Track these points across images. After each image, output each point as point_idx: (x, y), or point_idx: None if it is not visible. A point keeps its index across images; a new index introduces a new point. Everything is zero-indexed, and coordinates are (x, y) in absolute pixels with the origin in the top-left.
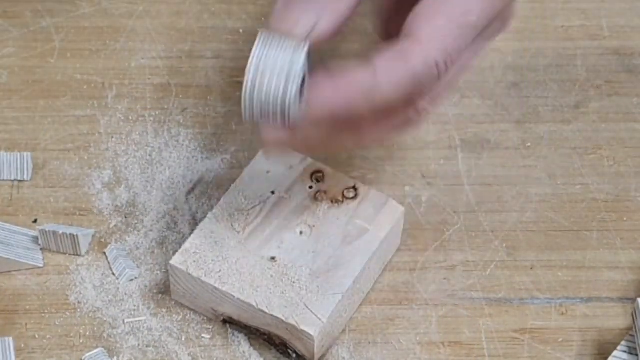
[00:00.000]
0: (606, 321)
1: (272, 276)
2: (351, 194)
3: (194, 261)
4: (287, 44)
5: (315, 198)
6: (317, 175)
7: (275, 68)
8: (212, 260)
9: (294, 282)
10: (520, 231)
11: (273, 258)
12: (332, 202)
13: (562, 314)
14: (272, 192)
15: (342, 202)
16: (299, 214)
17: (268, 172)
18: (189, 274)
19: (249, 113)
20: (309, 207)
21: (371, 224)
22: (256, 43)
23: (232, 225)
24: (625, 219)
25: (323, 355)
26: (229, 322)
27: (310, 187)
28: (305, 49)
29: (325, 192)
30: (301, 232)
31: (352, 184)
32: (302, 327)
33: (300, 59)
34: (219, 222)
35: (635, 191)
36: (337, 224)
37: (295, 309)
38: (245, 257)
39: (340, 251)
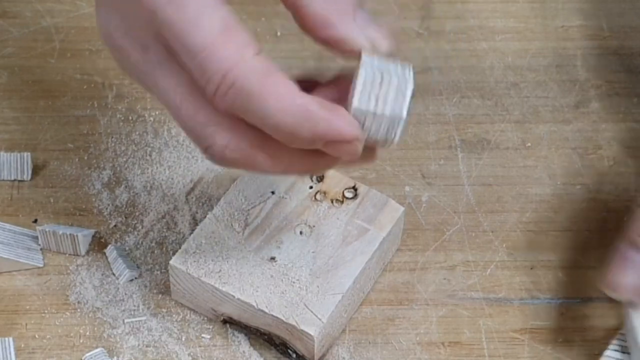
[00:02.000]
0: (606, 321)
1: (272, 276)
2: (351, 194)
3: (194, 261)
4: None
5: (315, 198)
6: (317, 176)
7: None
8: (212, 260)
9: (294, 282)
10: (520, 231)
11: (273, 258)
12: (332, 202)
13: (562, 314)
14: (272, 192)
15: (342, 202)
16: (299, 214)
17: None
18: (189, 274)
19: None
20: (309, 207)
21: (371, 224)
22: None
23: (232, 225)
24: (625, 219)
25: (323, 355)
26: (229, 322)
27: (310, 187)
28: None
29: (325, 192)
30: (301, 232)
31: (352, 184)
32: (302, 327)
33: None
34: (219, 222)
35: (635, 191)
36: (337, 224)
37: (295, 309)
38: (245, 257)
39: (340, 251)
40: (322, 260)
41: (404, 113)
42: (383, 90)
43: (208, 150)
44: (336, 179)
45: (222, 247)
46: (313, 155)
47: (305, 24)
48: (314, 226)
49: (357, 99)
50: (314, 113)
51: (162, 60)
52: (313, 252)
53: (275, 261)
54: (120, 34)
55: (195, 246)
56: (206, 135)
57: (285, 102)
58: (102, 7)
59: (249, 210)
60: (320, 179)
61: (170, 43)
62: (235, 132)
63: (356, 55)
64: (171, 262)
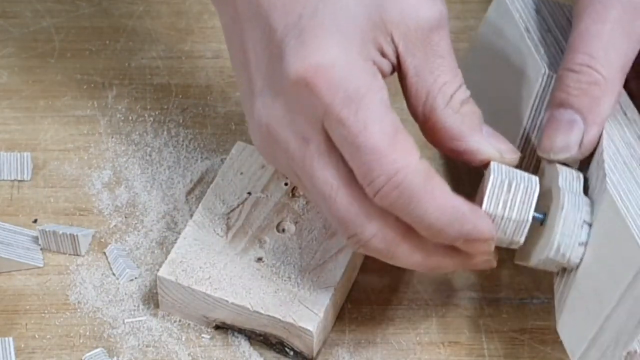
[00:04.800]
0: None
1: (262, 277)
2: None
3: (182, 270)
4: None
5: (292, 194)
6: None
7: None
8: (200, 268)
9: (285, 281)
10: None
11: (260, 259)
12: None
13: None
14: (249, 193)
15: None
16: (279, 212)
17: (241, 173)
18: (179, 284)
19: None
20: (287, 204)
21: None
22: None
23: (214, 231)
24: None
25: (320, 350)
26: (222, 327)
27: (286, 184)
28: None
29: None
30: (284, 230)
31: None
32: (300, 324)
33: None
34: (200, 228)
35: None
36: (317, 217)
37: (290, 307)
38: (233, 261)
39: (325, 244)
40: (309, 256)
41: (530, 217)
42: (511, 195)
43: (353, 238)
44: None
45: (208, 254)
46: (449, 251)
47: (435, 135)
48: (295, 222)
49: (486, 203)
50: (464, 215)
51: (323, 152)
52: (299, 248)
53: (262, 261)
54: (281, 126)
55: (181, 255)
56: (356, 225)
57: (442, 204)
58: (263, 98)
59: (228, 213)
60: None
61: (336, 139)
62: (384, 225)
63: (484, 165)
64: (159, 273)
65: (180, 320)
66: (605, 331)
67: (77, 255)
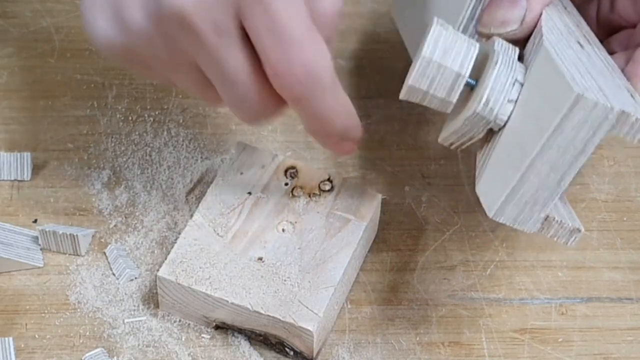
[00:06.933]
0: (606, 321)
1: (262, 277)
2: (327, 186)
3: (182, 270)
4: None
5: (292, 194)
6: (291, 172)
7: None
8: (200, 268)
9: (285, 280)
10: (520, 231)
11: (260, 259)
12: (309, 196)
13: (562, 314)
14: (249, 193)
15: (320, 195)
16: (279, 212)
17: (241, 173)
18: (179, 284)
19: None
20: (288, 204)
21: (352, 213)
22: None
23: (214, 231)
24: (625, 219)
25: (320, 350)
26: (222, 327)
27: (286, 184)
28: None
29: (301, 187)
30: (284, 230)
31: (326, 176)
32: (300, 324)
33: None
34: (200, 228)
35: (635, 191)
36: (318, 218)
37: (290, 307)
38: (233, 261)
39: (326, 244)
40: (309, 255)
41: (468, 71)
42: (452, 45)
43: (252, 120)
44: (310, 172)
45: (208, 254)
46: None
47: None
48: (295, 222)
49: (425, 49)
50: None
51: (236, 41)
52: (299, 248)
53: (262, 261)
54: (194, 14)
55: (181, 255)
56: (259, 110)
57: (342, 106)
58: None
59: (228, 213)
60: (294, 174)
61: (252, 27)
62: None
63: None
64: (159, 273)
65: (180, 320)
66: (525, 183)
67: (77, 255)
